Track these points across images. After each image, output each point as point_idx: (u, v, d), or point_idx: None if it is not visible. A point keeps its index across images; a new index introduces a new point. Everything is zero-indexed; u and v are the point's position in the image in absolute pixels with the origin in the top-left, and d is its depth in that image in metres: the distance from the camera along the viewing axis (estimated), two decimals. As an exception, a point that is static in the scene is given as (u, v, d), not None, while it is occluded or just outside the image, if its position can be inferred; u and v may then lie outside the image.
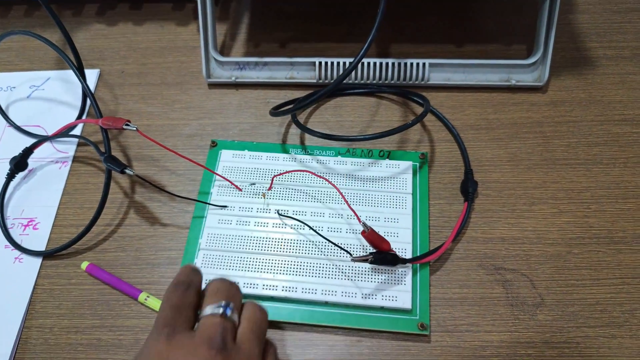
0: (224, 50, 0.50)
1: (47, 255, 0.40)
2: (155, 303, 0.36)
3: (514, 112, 0.44)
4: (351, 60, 0.45)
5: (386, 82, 0.45)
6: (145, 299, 0.37)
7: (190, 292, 0.27)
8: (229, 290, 0.27)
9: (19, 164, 0.42)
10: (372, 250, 0.34)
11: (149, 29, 0.52)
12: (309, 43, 0.50)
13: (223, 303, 0.26)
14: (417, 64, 0.44)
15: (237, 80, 0.46)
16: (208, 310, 0.26)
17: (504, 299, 0.35)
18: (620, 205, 0.39)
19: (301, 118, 0.45)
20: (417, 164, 0.41)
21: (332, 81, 0.46)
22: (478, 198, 0.40)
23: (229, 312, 0.26)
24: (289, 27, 0.51)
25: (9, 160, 0.43)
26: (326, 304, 0.35)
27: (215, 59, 0.46)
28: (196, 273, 0.29)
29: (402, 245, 0.36)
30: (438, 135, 0.43)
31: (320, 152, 0.42)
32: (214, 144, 0.43)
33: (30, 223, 0.41)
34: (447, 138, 0.43)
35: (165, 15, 0.53)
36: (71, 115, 0.47)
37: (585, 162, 0.41)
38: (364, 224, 0.32)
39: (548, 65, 0.44)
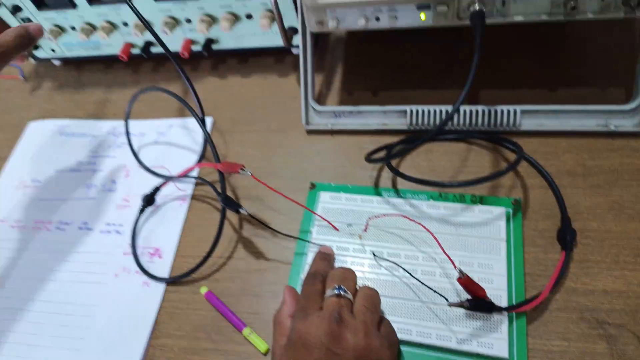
0: (320, 98, 0.55)
1: (170, 281, 0.45)
2: (257, 341, 0.40)
3: (614, 158, 0.43)
4: (441, 107, 0.47)
5: (476, 127, 0.47)
6: (249, 334, 0.40)
7: (317, 282, 0.36)
8: (343, 275, 0.36)
9: (150, 200, 0.49)
10: (466, 295, 0.35)
11: (255, 80, 0.59)
12: (399, 90, 0.53)
13: (337, 286, 0.35)
14: (508, 111, 0.46)
15: (333, 127, 0.51)
16: (328, 293, 0.35)
17: (609, 355, 0.34)
18: None
19: (393, 162, 0.48)
20: (510, 210, 0.41)
21: (422, 127, 0.48)
22: (577, 247, 0.39)
23: (342, 292, 0.34)
24: (379, 76, 0.54)
25: (140, 196, 0.51)
26: (421, 345, 0.36)
27: (313, 109, 0.51)
28: (324, 261, 0.39)
29: (497, 292, 0.37)
30: (531, 180, 0.44)
31: (412, 196, 0.44)
32: (312, 186, 0.47)
33: (156, 252, 0.48)
34: (541, 184, 0.43)
35: (268, 67, 0.59)
36: (190, 158, 0.54)
37: (697, 212, 0.39)
38: (460, 271, 0.34)
39: (651, 110, 0.43)
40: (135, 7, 0.47)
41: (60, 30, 0.61)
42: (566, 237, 0.38)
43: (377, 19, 0.43)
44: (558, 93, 0.49)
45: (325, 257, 0.40)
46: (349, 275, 0.36)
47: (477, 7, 0.40)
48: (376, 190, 0.46)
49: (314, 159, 0.50)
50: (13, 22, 0.61)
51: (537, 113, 0.45)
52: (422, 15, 0.42)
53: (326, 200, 0.45)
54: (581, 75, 0.49)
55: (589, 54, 0.51)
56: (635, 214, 0.40)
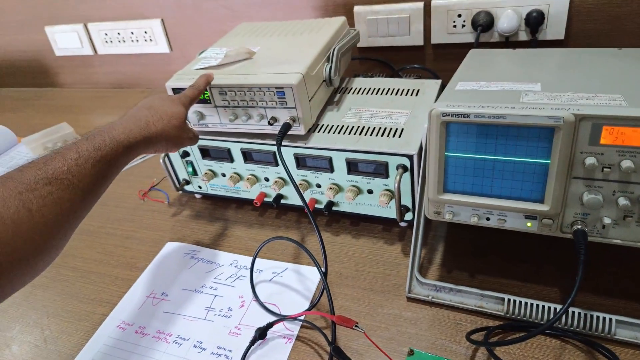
0: (421, 270, 0.62)
1: (266, 417, 0.49)
2: None
3: None
4: (538, 302, 0.52)
5: (570, 327, 0.50)
6: None
7: None
8: None
9: (262, 334, 0.56)
10: None
11: (363, 242, 0.68)
12: (495, 277, 0.59)
13: None
14: (604, 318, 0.49)
15: (433, 299, 0.57)
16: None
17: None
18: None
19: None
20: (609, 420, 0.43)
21: (517, 317, 0.52)
22: None
23: None
24: (478, 259, 0.61)
25: (250, 327, 0.57)
26: None
27: (417, 279, 0.58)
28: None
29: None
30: (629, 393, 0.45)
31: (507, 383, 0.47)
32: (411, 352, 0.52)
33: (257, 385, 0.53)
34: (639, 399, 0.45)
35: (377, 234, 0.69)
36: (299, 301, 0.61)
37: None
38: None
39: None
40: (291, 174, 0.61)
41: (213, 174, 0.77)
42: None
43: (488, 219, 0.52)
44: (652, 309, 0.52)
45: None
46: None
47: (579, 226, 0.47)
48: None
49: (412, 326, 0.55)
50: (180, 164, 0.78)
51: (632, 325, 0.49)
52: (529, 224, 0.50)
53: (424, 370, 0.49)
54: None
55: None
56: None
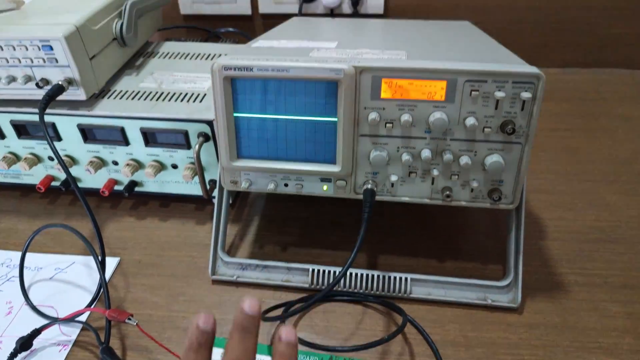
0: (232, 249, 0.56)
1: None
2: None
3: (492, 331, 0.47)
4: (339, 270, 0.50)
5: (372, 291, 0.50)
6: None
7: (201, 352, 0.31)
8: (244, 350, 0.31)
9: (25, 344, 0.45)
10: None
11: (172, 224, 0.60)
12: (307, 248, 0.56)
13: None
14: (400, 278, 0.49)
15: (239, 279, 0.51)
16: None
17: None
18: None
19: (291, 320, 0.48)
20: (397, 379, 0.42)
21: (323, 287, 0.50)
22: (457, 423, 0.39)
23: None
24: (291, 233, 0.58)
25: (16, 338, 0.46)
26: None
27: (221, 259, 0.52)
28: (204, 333, 0.31)
29: None
30: (419, 348, 0.45)
31: (304, 358, 0.44)
32: (206, 340, 0.46)
33: (13, 409, 0.42)
34: (428, 353, 0.45)
35: (188, 214, 0.61)
36: (85, 300, 0.51)
37: (564, 391, 0.42)
38: None
39: (519, 288, 0.48)
40: (55, 147, 0.50)
41: (-18, 156, 0.61)
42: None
43: (286, 185, 0.48)
44: (446, 265, 0.54)
45: (206, 330, 0.31)
46: (249, 351, 0.30)
47: (369, 186, 0.46)
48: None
49: (215, 310, 0.49)
50: None
51: (425, 282, 0.49)
52: (325, 187, 0.47)
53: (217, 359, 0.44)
54: (466, 251, 0.55)
55: (474, 233, 0.58)
56: (511, 390, 0.42)
